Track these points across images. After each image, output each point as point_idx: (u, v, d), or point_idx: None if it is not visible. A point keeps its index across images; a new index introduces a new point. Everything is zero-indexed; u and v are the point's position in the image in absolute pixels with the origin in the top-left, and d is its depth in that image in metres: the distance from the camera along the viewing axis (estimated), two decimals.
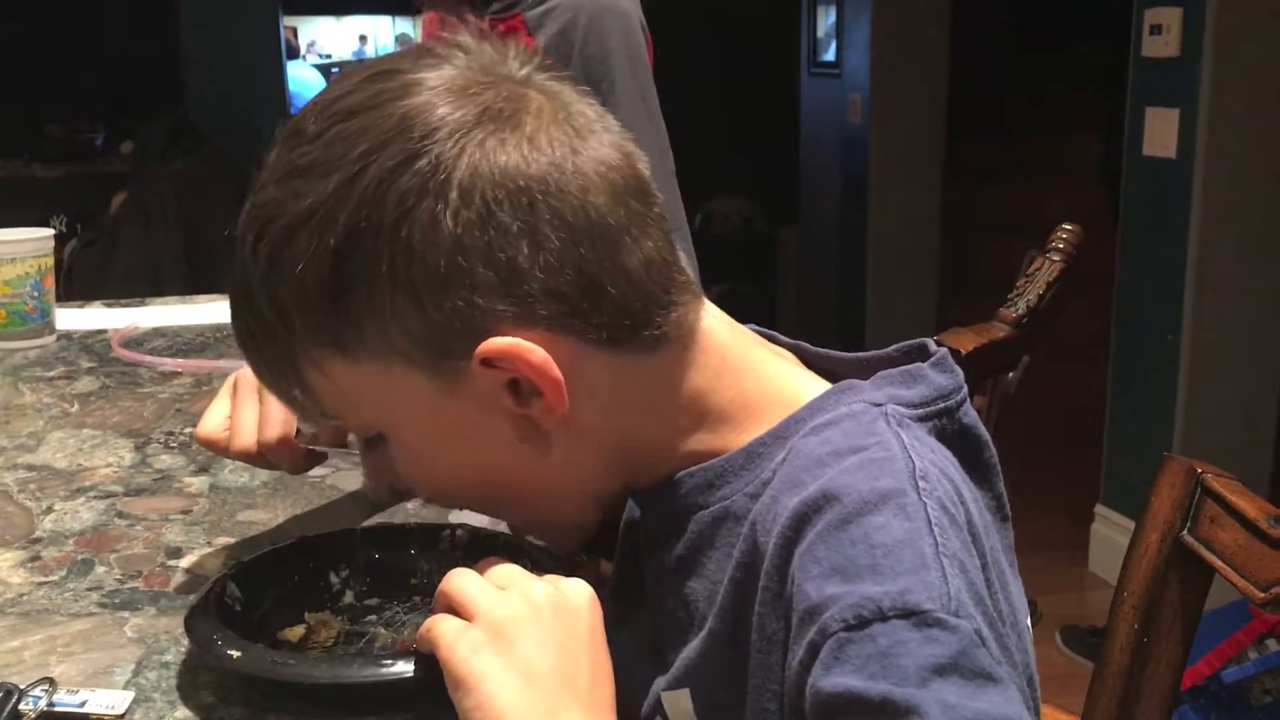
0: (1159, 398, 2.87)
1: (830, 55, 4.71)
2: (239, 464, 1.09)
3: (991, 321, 1.31)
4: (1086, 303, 2.32)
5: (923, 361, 0.68)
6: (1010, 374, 1.36)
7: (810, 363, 0.73)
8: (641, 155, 0.67)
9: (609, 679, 0.61)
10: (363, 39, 5.42)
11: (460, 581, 0.63)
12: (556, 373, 0.62)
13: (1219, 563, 0.84)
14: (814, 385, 0.69)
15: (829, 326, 4.71)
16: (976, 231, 4.57)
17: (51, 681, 0.69)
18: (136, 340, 1.55)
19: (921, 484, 0.58)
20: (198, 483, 1.06)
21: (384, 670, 0.66)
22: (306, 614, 0.79)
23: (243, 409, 0.86)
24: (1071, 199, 4.14)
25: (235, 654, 0.68)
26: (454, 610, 0.62)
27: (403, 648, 0.76)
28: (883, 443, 0.61)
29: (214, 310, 1.73)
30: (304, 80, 5.15)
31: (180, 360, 1.44)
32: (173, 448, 1.15)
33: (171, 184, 3.85)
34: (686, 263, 0.69)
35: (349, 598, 0.82)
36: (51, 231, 1.56)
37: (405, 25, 5.28)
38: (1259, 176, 2.74)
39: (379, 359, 0.63)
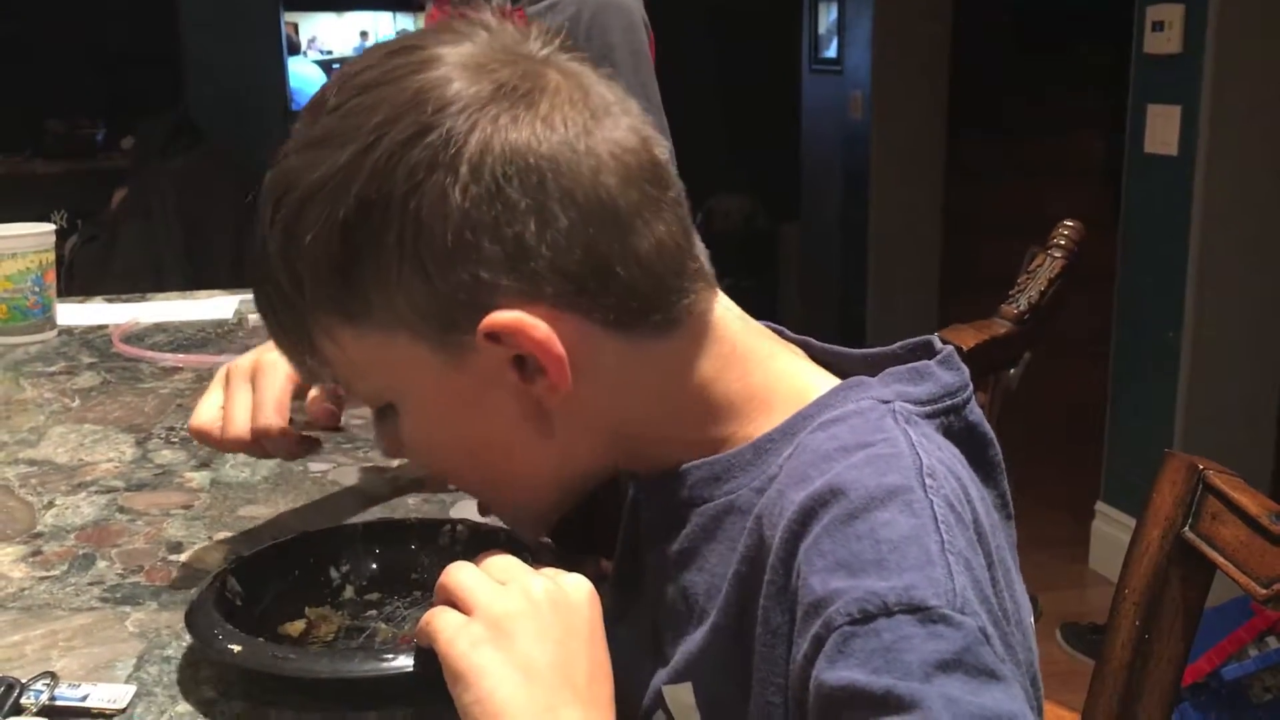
0: (1160, 395, 2.86)
1: (832, 52, 4.71)
2: (240, 459, 1.09)
3: (993, 318, 1.31)
4: (1087, 300, 2.32)
5: (929, 359, 0.68)
6: (1012, 370, 1.36)
7: (817, 359, 0.73)
8: (661, 140, 0.67)
9: (608, 675, 0.61)
10: (364, 35, 5.41)
11: (460, 575, 0.63)
12: (559, 349, 0.62)
13: (1220, 559, 0.84)
14: (823, 381, 0.69)
15: (829, 324, 4.71)
16: (977, 229, 4.56)
17: (53, 675, 0.69)
18: (137, 335, 1.55)
19: (928, 481, 0.58)
20: (199, 478, 1.06)
21: (384, 665, 0.66)
22: (307, 609, 0.79)
23: (236, 397, 0.86)
24: (1072, 197, 4.13)
25: (236, 649, 0.68)
26: (453, 604, 0.62)
27: (403, 642, 0.76)
28: (890, 439, 0.61)
29: (215, 306, 1.73)
30: (305, 76, 5.14)
31: (181, 355, 1.45)
32: (174, 443, 1.15)
33: (172, 180, 3.85)
34: (701, 251, 0.69)
35: (349, 593, 0.82)
36: (52, 227, 1.56)
37: (406, 21, 5.28)
38: (1261, 174, 2.74)
39: (386, 330, 0.64)
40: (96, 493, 1.02)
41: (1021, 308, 1.32)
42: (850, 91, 4.55)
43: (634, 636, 0.70)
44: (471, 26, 0.65)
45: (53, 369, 1.41)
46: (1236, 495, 0.84)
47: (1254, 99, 2.70)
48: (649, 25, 1.58)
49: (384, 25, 5.38)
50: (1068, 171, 4.80)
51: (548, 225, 0.61)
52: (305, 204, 0.62)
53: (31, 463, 1.09)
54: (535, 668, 0.57)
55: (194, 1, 4.73)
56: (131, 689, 0.70)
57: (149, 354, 1.45)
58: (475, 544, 0.82)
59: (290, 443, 0.85)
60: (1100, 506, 3.08)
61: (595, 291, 0.63)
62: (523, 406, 0.65)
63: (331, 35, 5.40)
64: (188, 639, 0.74)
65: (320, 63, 5.28)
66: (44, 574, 0.87)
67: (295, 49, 5.19)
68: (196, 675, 0.72)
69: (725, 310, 0.69)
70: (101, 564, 0.88)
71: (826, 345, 0.73)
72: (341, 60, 5.30)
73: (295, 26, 5.21)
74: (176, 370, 1.40)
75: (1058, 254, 1.34)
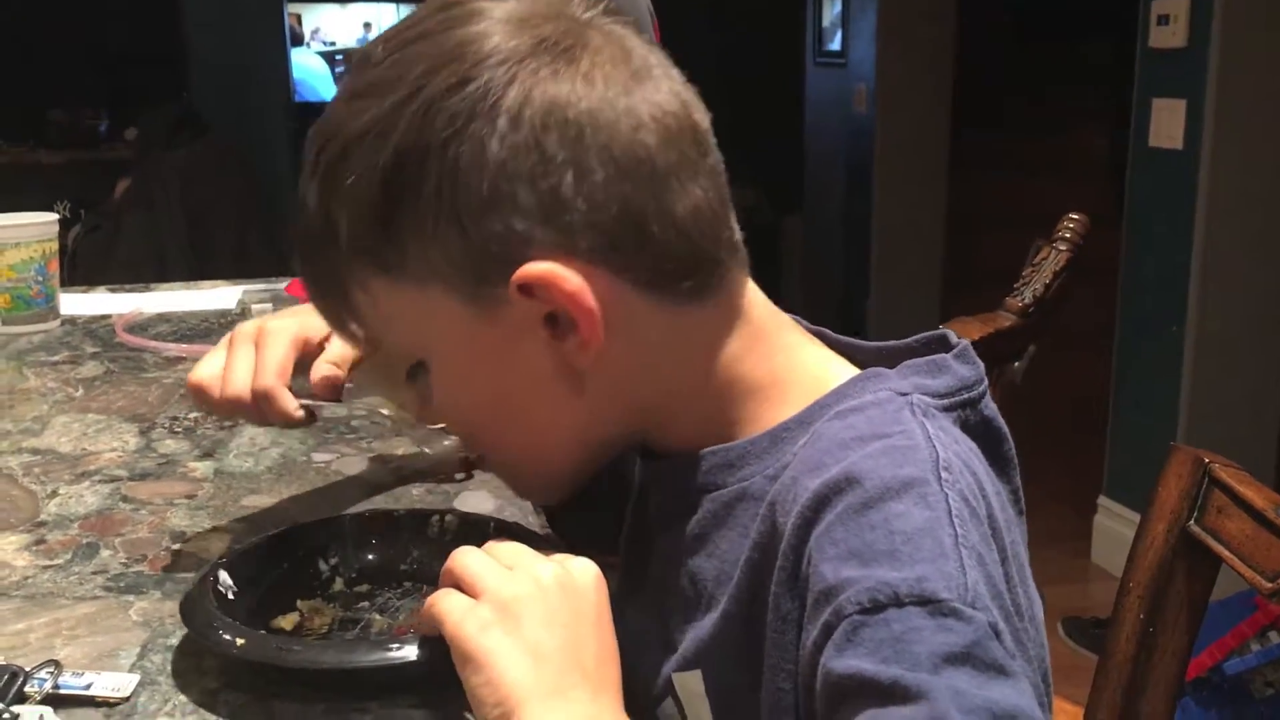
0: (1163, 390, 2.86)
1: (835, 45, 4.70)
2: (243, 448, 1.09)
3: (998, 311, 1.31)
4: (1091, 294, 2.32)
5: (944, 353, 0.68)
6: (1016, 364, 1.35)
7: (833, 350, 0.73)
8: (702, 107, 0.67)
9: (615, 658, 0.61)
10: (367, 26, 5.40)
11: (467, 560, 0.63)
12: (591, 302, 0.62)
13: (1226, 552, 0.83)
14: (842, 371, 0.69)
15: (831, 317, 4.66)
16: (980, 224, 4.56)
17: (57, 664, 0.69)
18: (141, 325, 1.55)
19: (944, 475, 0.58)
20: (202, 467, 1.05)
21: (390, 654, 0.66)
22: (299, 602, 0.79)
23: (237, 358, 0.85)
24: (1076, 192, 4.11)
25: (240, 641, 0.68)
26: (460, 589, 0.62)
27: (399, 633, 0.76)
28: (907, 431, 0.61)
29: (218, 296, 1.72)
30: (307, 68, 5.14)
31: (184, 345, 1.44)
32: (177, 432, 1.14)
33: (175, 170, 3.85)
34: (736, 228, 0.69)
35: (339, 585, 0.82)
36: (56, 216, 1.55)
37: (409, 12, 5.27)
38: (1266, 168, 2.73)
39: (419, 282, 0.64)
40: (100, 482, 1.02)
41: (1026, 301, 1.32)
42: (854, 85, 4.54)
43: (642, 622, 0.70)
44: None
45: (56, 358, 1.41)
46: (1242, 489, 0.83)
47: (1260, 93, 2.69)
48: (654, 13, 1.57)
49: (387, 16, 5.37)
50: (1071, 166, 4.79)
51: (584, 179, 0.61)
52: (346, 152, 0.63)
53: (35, 452, 1.09)
54: (544, 650, 0.57)
55: None
56: (135, 678, 0.70)
57: (152, 344, 1.45)
58: (464, 534, 0.82)
59: (286, 408, 0.83)
60: (1103, 500, 3.08)
61: (629, 249, 0.63)
62: (553, 364, 0.65)
63: (335, 26, 5.39)
64: None
65: (324, 54, 5.28)
66: (47, 563, 0.86)
67: (298, 40, 5.18)
68: (200, 664, 0.72)
69: (754, 293, 0.70)
70: (105, 553, 0.88)
71: (842, 337, 0.73)
72: (344, 51, 5.29)
73: (298, 18, 5.21)
74: (180, 360, 1.39)
75: (1063, 247, 1.34)
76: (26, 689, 0.67)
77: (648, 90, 0.64)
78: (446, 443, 0.98)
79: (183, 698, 0.69)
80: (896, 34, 4.34)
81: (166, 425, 1.16)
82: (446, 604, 0.61)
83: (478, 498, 0.98)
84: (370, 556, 0.83)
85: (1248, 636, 2.35)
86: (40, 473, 1.04)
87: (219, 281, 1.86)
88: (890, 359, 0.69)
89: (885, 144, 4.42)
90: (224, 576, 0.75)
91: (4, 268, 1.49)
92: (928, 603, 0.52)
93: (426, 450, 1.03)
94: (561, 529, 0.88)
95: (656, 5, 1.59)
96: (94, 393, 1.27)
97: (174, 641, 0.75)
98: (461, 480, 1.00)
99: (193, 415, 1.19)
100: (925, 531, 0.55)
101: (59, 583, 0.83)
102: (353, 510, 0.92)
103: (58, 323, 1.55)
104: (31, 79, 4.50)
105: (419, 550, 0.83)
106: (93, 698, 0.68)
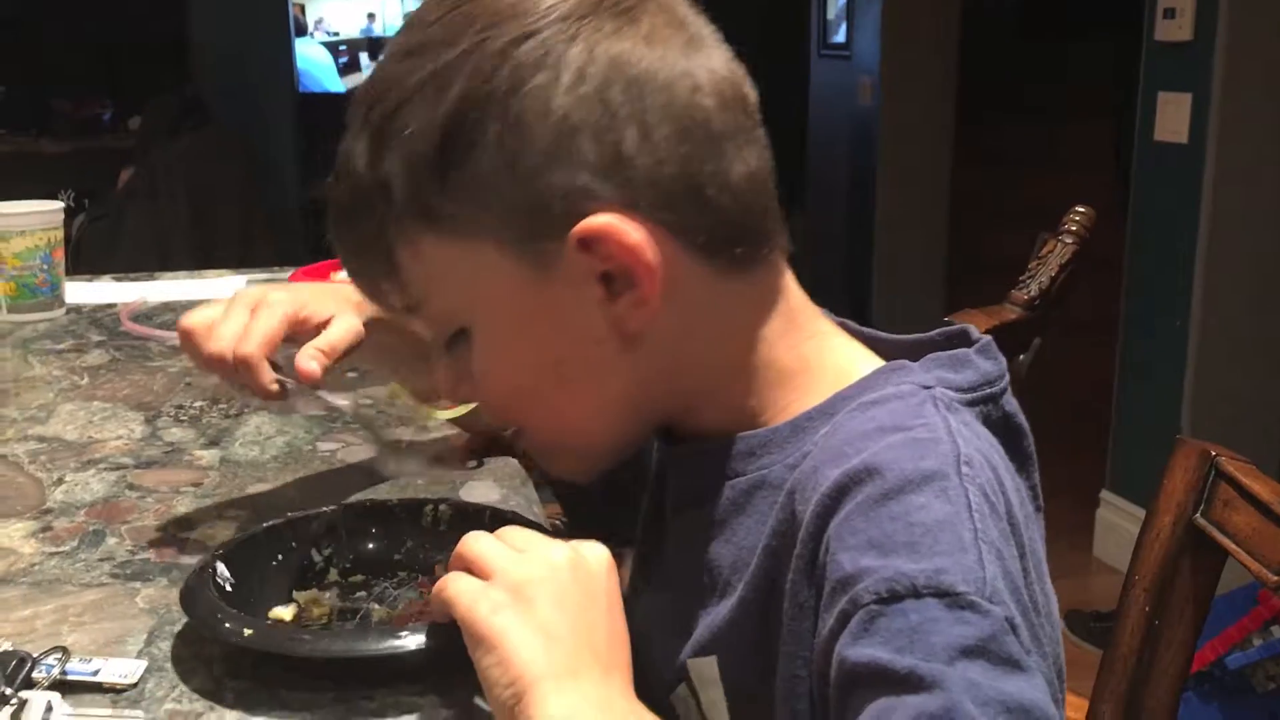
0: (1166, 385, 2.86)
1: (840, 37, 4.69)
2: (249, 436, 1.09)
3: (1004, 304, 1.31)
4: (1094, 288, 2.31)
5: (965, 347, 0.68)
6: (1021, 357, 1.35)
7: (857, 341, 0.73)
8: (750, 81, 0.67)
9: (625, 641, 0.61)
10: (370, 16, 5.39)
11: (478, 543, 0.63)
12: (652, 257, 0.62)
13: (1232, 545, 0.83)
14: (866, 363, 0.69)
15: (833, 309, 4.66)
16: (984, 217, 4.55)
17: (65, 650, 0.69)
18: (145, 314, 1.55)
19: (965, 469, 0.58)
20: (208, 455, 1.06)
21: (400, 642, 0.66)
22: (294, 593, 0.79)
23: (231, 316, 0.84)
24: (1079, 185, 4.11)
25: (248, 632, 0.68)
26: (471, 572, 0.62)
27: (399, 623, 0.76)
28: (929, 425, 0.61)
29: (222, 285, 1.72)
30: (311, 58, 5.13)
31: None
32: (183, 421, 1.15)
33: (179, 159, 3.85)
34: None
35: (333, 575, 0.81)
36: (61, 204, 1.55)
37: (414, 2, 5.26)
38: (1272, 163, 2.72)
39: (471, 238, 0.64)
40: (106, 469, 1.02)
41: (1032, 294, 1.32)
42: (859, 77, 4.53)
43: (656, 608, 0.70)
44: None
45: (61, 347, 1.41)
46: (1249, 482, 0.83)
47: (1265, 87, 2.68)
48: None
49: (391, 6, 5.36)
50: (1074, 159, 4.78)
51: (646, 136, 0.61)
52: (403, 104, 0.62)
53: (41, 439, 1.09)
54: (556, 632, 0.57)
55: None
56: (142, 664, 0.70)
57: (157, 333, 1.45)
58: (458, 523, 0.82)
59: (262, 380, 0.82)
60: (1105, 495, 3.08)
61: (686, 211, 0.63)
62: (604, 326, 0.65)
63: (338, 16, 5.37)
64: None
65: (327, 44, 5.27)
66: (54, 549, 0.87)
67: (302, 30, 5.17)
68: (206, 652, 0.72)
69: (789, 277, 0.70)
70: (111, 540, 0.88)
71: (866, 329, 0.73)
72: (348, 42, 5.29)
73: (302, 7, 5.19)
74: None
75: (1069, 240, 1.34)
76: (34, 675, 0.67)
77: (703, 57, 0.64)
78: (413, 466, 0.98)
79: (190, 684, 0.69)
80: (901, 26, 4.33)
81: (172, 414, 1.17)
82: (458, 586, 0.61)
83: (483, 486, 0.98)
84: (364, 546, 0.83)
85: (1250, 630, 2.35)
86: (46, 460, 1.04)
87: (223, 271, 1.86)
88: (913, 352, 0.69)
89: (890, 136, 4.42)
90: (221, 569, 0.75)
91: (9, 256, 1.48)
92: (945, 595, 0.52)
93: (392, 467, 1.01)
94: (579, 520, 0.88)
95: None
96: (99, 381, 1.27)
97: (181, 629, 0.75)
98: (475, 466, 1.00)
99: (198, 404, 1.19)
100: (945, 525, 0.55)
101: (66, 570, 0.84)
102: (352, 499, 0.92)
103: (63, 311, 1.55)
104: (35, 68, 4.49)
105: (413, 540, 0.83)
106: (100, 684, 0.68)
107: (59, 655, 0.69)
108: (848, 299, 4.72)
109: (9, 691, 0.65)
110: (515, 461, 1.02)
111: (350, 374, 0.94)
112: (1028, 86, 5.10)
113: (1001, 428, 0.66)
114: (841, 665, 0.53)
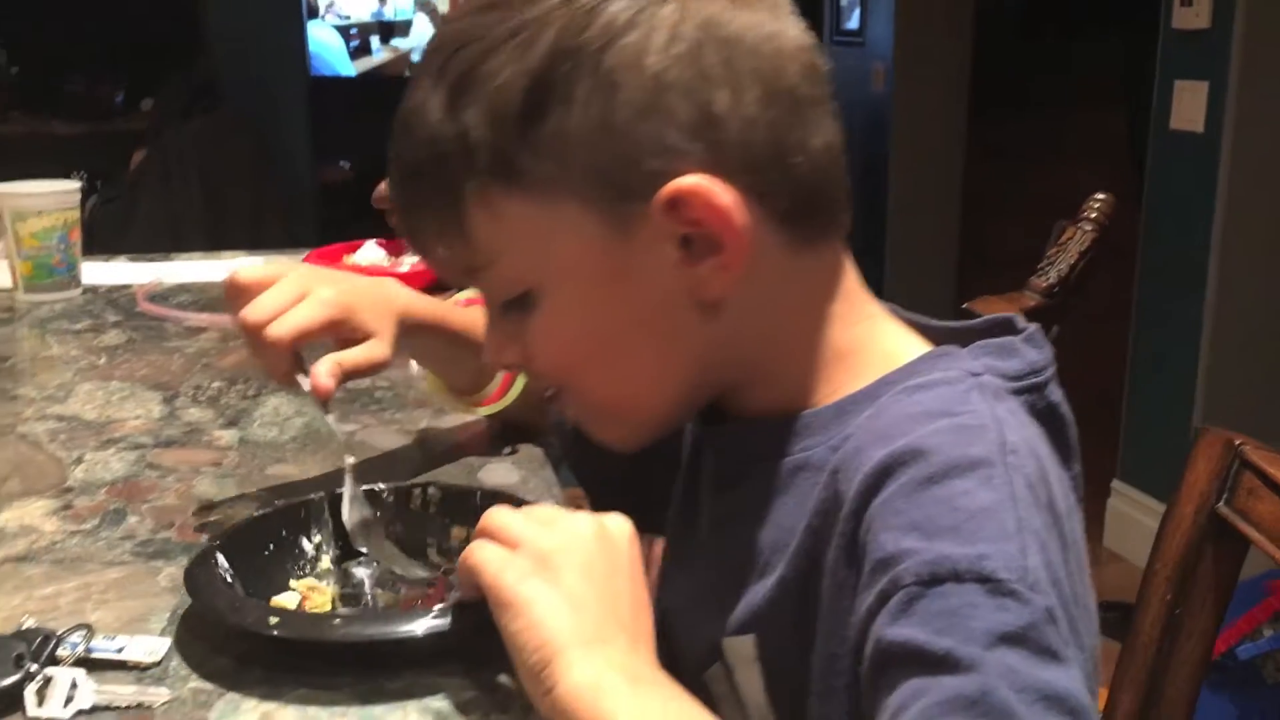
0: (1180, 376, 2.85)
1: (853, 24, 4.67)
2: (267, 417, 1.09)
3: (1023, 291, 1.30)
4: (1108, 277, 2.30)
5: (1011, 336, 0.68)
6: None
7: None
8: (825, 56, 0.67)
9: (649, 612, 0.61)
10: (382, 0, 5.38)
11: (502, 516, 0.63)
12: (742, 220, 0.61)
13: (1255, 534, 0.83)
14: (915, 347, 0.69)
15: None
16: (996, 207, 4.54)
17: (89, 628, 0.69)
18: (162, 295, 1.55)
19: (1010, 458, 0.57)
20: (227, 436, 1.06)
21: (432, 622, 0.66)
22: (291, 582, 0.78)
23: (280, 290, 0.82)
24: (1091, 174, 4.09)
25: (274, 620, 0.68)
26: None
27: (404, 607, 0.76)
28: (976, 412, 0.60)
29: (237, 267, 1.72)
30: (322, 41, 5.11)
31: (205, 315, 1.44)
32: (201, 401, 1.15)
33: (191, 142, 3.84)
34: None
35: (325, 563, 0.81)
36: (78, 184, 1.55)
37: None
38: None
39: (551, 197, 0.62)
40: (125, 449, 1.02)
41: (1051, 281, 1.31)
42: (872, 64, 4.51)
43: (689, 588, 0.70)
44: None
45: (78, 326, 1.42)
46: (1273, 471, 0.83)
47: None
48: None
49: None
50: (1087, 148, 4.76)
51: (737, 98, 0.61)
52: (488, 55, 0.61)
53: (60, 418, 1.10)
54: (583, 600, 0.58)
55: None
56: (167, 642, 0.70)
57: (174, 313, 1.45)
58: (448, 505, 0.82)
59: (283, 365, 0.81)
60: (1116, 485, 3.07)
61: (771, 176, 0.63)
62: (680, 290, 0.64)
63: (349, 0, 5.36)
64: None
65: (339, 27, 5.25)
66: (75, 528, 0.87)
67: (313, 13, 5.15)
68: (230, 630, 0.72)
69: (849, 258, 0.70)
70: (132, 519, 0.88)
71: (910, 314, 0.73)
72: (360, 26, 5.27)
73: None
74: (201, 330, 1.40)
75: (1089, 227, 1.33)
76: (59, 652, 0.67)
77: (787, 23, 0.64)
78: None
79: (213, 663, 0.69)
80: (914, 12, 4.31)
81: (190, 394, 1.17)
82: (484, 554, 0.60)
83: (503, 470, 0.98)
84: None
85: (1260, 621, 2.35)
86: (65, 439, 1.04)
87: (238, 252, 1.86)
88: (959, 339, 0.69)
89: (903, 123, 4.40)
90: (221, 559, 0.75)
91: (26, 236, 1.49)
92: (987, 581, 0.52)
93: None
94: (600, 506, 0.88)
95: None
96: (117, 361, 1.28)
97: None
98: (507, 455, 1.00)
99: (216, 384, 1.19)
100: (989, 512, 0.54)
101: (88, 548, 0.84)
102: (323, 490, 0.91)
103: (79, 291, 1.55)
104: (47, 50, 4.49)
105: (402, 524, 0.82)
106: (124, 662, 0.68)
107: (83, 632, 0.69)
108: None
109: (34, 668, 0.65)
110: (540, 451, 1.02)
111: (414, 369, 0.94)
112: (1041, 73, 5.08)
113: (1047, 417, 0.65)
114: (878, 644, 0.53)
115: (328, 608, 0.77)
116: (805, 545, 0.63)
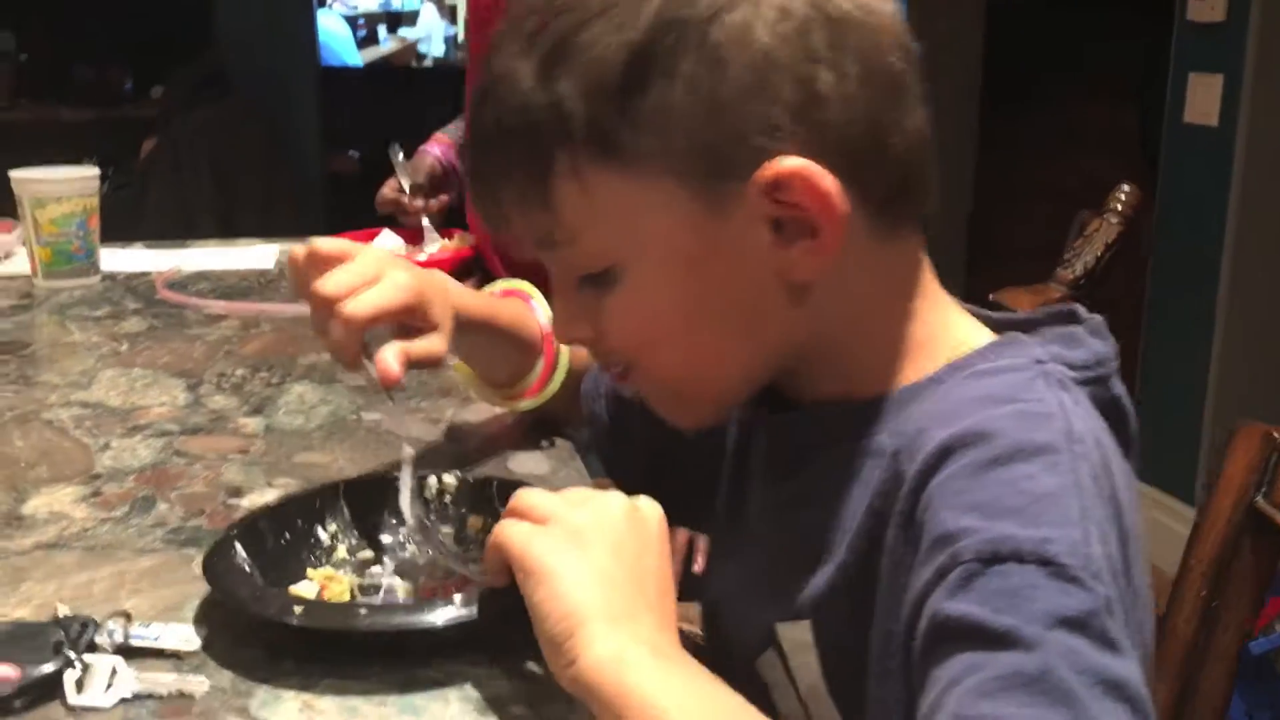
0: (1193, 371, 2.84)
1: None
2: (293, 406, 1.09)
3: (1048, 283, 1.30)
4: (1120, 272, 2.29)
5: (1075, 326, 0.67)
6: None
7: None
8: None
9: (673, 595, 0.60)
10: None
11: (532, 495, 0.62)
12: (841, 206, 0.61)
13: None
14: (984, 336, 0.69)
15: None
16: (1007, 199, 4.53)
17: (127, 615, 0.69)
18: (180, 283, 1.55)
19: (1076, 447, 0.57)
20: (253, 423, 1.05)
21: (459, 611, 0.65)
22: (308, 571, 0.78)
23: (356, 267, 0.77)
24: (1105, 169, 4.09)
25: (299, 609, 0.67)
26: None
27: (424, 595, 0.76)
28: (1042, 399, 0.60)
29: (255, 255, 1.72)
30: (329, 30, 5.10)
31: (225, 303, 1.44)
32: (225, 389, 1.14)
33: (201, 130, 3.84)
34: None
35: (341, 552, 0.81)
36: (97, 171, 1.55)
37: None
38: None
39: (645, 171, 0.61)
40: (152, 436, 1.02)
41: (1077, 273, 1.31)
42: None
43: (738, 576, 0.70)
44: None
45: (98, 313, 1.41)
46: None
47: None
48: None
49: None
50: (1100, 142, 4.75)
51: (841, 79, 0.60)
52: (586, 24, 0.60)
53: (84, 405, 1.09)
54: (613, 577, 0.57)
55: None
56: (203, 630, 0.69)
57: (194, 300, 1.45)
58: (464, 495, 0.82)
59: (343, 350, 0.77)
60: None
61: (868, 159, 0.62)
62: (770, 272, 0.63)
63: None
64: None
65: (346, 17, 5.24)
66: (106, 515, 0.86)
67: (322, 1, 5.15)
68: (253, 620, 0.71)
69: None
70: (162, 506, 0.88)
71: (972, 306, 0.72)
72: (367, 16, 5.26)
73: None
74: (222, 317, 1.39)
75: (1114, 219, 1.32)
76: (97, 639, 0.67)
77: (887, 9, 0.63)
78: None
79: (248, 652, 0.68)
80: (926, 6, 4.29)
81: (214, 381, 1.16)
82: (513, 529, 0.60)
83: (532, 460, 0.97)
84: (369, 522, 0.82)
85: (1272, 617, 2.34)
86: (91, 426, 1.04)
87: (254, 239, 1.85)
88: (1024, 329, 0.68)
89: None
90: (240, 549, 0.74)
91: (45, 222, 1.48)
92: (1050, 564, 0.51)
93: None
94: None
95: None
96: (139, 348, 1.27)
97: None
98: (546, 448, 0.99)
99: (239, 372, 1.19)
100: (1053, 497, 0.54)
101: (119, 535, 0.83)
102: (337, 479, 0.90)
103: (98, 278, 1.55)
104: (56, 37, 4.48)
105: (418, 512, 0.81)
106: (161, 650, 0.67)
107: (121, 620, 0.68)
108: None
109: (73, 655, 0.65)
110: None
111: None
112: (1052, 66, 5.06)
113: (1110, 409, 0.65)
114: (934, 619, 0.52)
115: (346, 597, 0.76)
116: (866, 526, 0.62)
